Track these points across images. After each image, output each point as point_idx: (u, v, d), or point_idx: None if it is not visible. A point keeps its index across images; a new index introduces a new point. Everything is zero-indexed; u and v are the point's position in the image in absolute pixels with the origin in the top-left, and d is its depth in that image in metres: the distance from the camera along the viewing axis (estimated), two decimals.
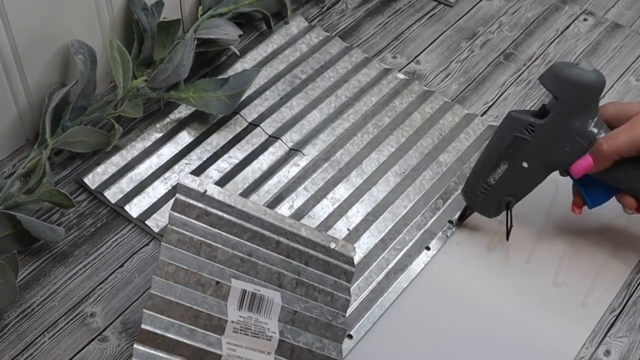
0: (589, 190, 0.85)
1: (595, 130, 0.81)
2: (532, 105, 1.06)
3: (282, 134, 0.99)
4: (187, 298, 0.74)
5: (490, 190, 0.86)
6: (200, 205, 0.78)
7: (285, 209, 0.92)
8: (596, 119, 0.81)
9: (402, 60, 1.11)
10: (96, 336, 0.82)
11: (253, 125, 1.00)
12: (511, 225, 0.87)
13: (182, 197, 0.78)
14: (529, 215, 0.93)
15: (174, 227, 0.76)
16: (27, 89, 0.93)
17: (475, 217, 0.91)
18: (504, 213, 0.87)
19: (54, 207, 0.91)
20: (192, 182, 0.79)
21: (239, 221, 0.79)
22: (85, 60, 0.93)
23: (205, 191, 0.78)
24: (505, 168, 0.84)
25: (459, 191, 0.95)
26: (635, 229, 0.93)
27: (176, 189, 0.79)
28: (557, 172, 0.85)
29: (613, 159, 0.80)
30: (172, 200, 0.90)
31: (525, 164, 0.83)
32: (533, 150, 0.82)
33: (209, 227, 0.78)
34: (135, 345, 0.71)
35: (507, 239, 0.89)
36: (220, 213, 0.79)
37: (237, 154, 0.97)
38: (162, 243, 0.75)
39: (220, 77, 1.02)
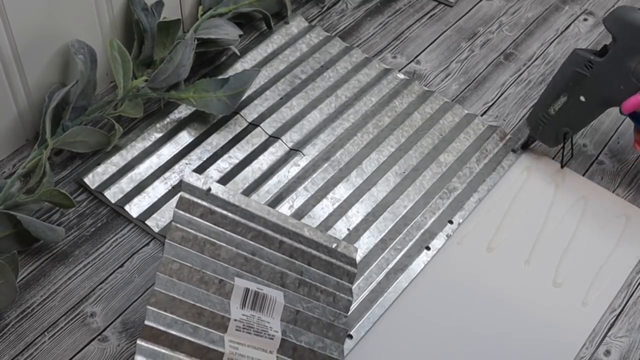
0: None
1: None
2: (532, 105, 1.06)
3: (282, 134, 0.99)
4: (190, 295, 0.74)
5: (550, 120, 0.93)
6: (204, 203, 0.78)
7: (285, 208, 0.92)
8: None
9: (402, 60, 1.11)
10: (96, 336, 0.82)
11: (253, 125, 1.00)
12: (571, 156, 0.96)
13: (187, 195, 0.78)
14: (529, 216, 0.93)
15: (178, 225, 0.76)
16: (27, 89, 0.93)
17: (477, 215, 0.91)
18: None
19: (54, 207, 0.91)
20: (197, 180, 0.79)
21: (242, 220, 0.79)
22: (85, 60, 0.93)
23: (210, 189, 0.78)
24: (564, 100, 0.91)
25: (459, 191, 0.95)
26: (635, 228, 0.93)
27: (181, 186, 0.79)
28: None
29: None
30: (172, 200, 0.91)
31: (582, 98, 0.90)
32: (590, 85, 0.89)
33: (213, 226, 0.78)
34: (138, 342, 0.71)
35: (562, 166, 0.96)
36: (224, 212, 0.79)
37: (237, 154, 0.97)
38: (165, 240, 0.75)
39: (220, 77, 1.02)
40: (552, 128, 0.94)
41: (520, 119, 1.05)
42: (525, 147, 0.99)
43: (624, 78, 0.87)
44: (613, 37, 0.88)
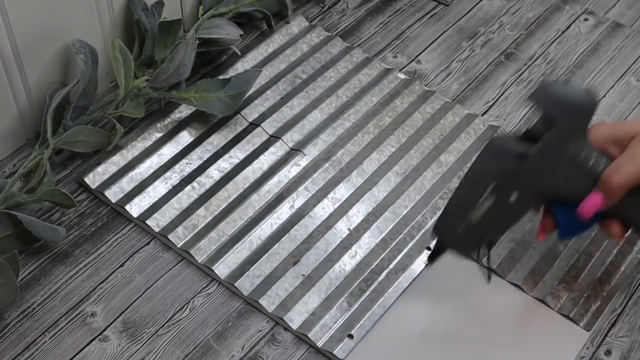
0: (566, 216, 0.76)
1: (589, 156, 0.74)
2: (533, 105, 1.06)
3: (282, 133, 0.99)
4: None
5: (470, 228, 0.75)
6: None
7: (285, 208, 0.92)
8: (587, 146, 0.74)
9: (403, 60, 1.11)
10: (97, 336, 0.82)
11: (254, 125, 1.00)
12: (491, 269, 0.78)
13: None
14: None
15: None
16: (27, 89, 0.93)
17: None
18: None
19: (54, 206, 0.91)
20: None
21: None
22: (86, 60, 0.93)
23: None
24: (491, 202, 0.74)
25: None
26: None
27: None
28: None
29: (624, 192, 0.73)
30: (172, 200, 0.91)
31: (514, 197, 0.74)
32: (524, 182, 0.73)
33: None
34: None
35: (489, 281, 0.79)
36: None
37: (237, 154, 0.97)
38: None
39: (221, 77, 1.02)
40: (475, 235, 0.75)
41: (521, 119, 1.05)
42: (433, 259, 0.80)
43: (562, 168, 0.73)
44: (549, 118, 0.72)
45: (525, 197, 0.74)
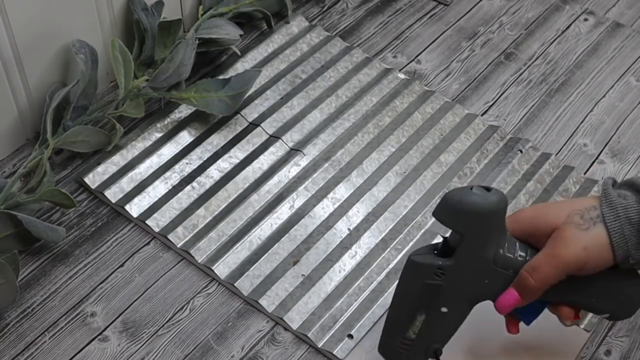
0: (520, 308, 0.75)
1: (510, 255, 0.72)
2: (533, 105, 1.06)
3: (282, 133, 0.99)
4: None
5: (413, 344, 0.75)
6: None
7: (285, 208, 0.92)
8: (506, 241, 0.72)
9: (403, 60, 1.11)
10: (96, 336, 0.82)
11: (253, 125, 1.00)
12: None
13: None
14: None
15: None
16: (27, 89, 0.93)
17: None
18: None
19: (54, 206, 0.91)
20: None
21: None
22: (86, 60, 0.93)
23: None
24: (423, 319, 0.74)
25: None
26: None
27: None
28: None
29: (542, 291, 0.72)
30: (172, 200, 0.91)
31: (444, 309, 0.73)
32: (449, 293, 0.73)
33: None
34: None
35: None
36: None
37: (237, 154, 0.97)
38: None
39: (221, 77, 1.02)
40: (419, 350, 0.75)
41: (521, 119, 1.05)
42: None
43: (485, 271, 0.72)
44: (456, 230, 0.71)
45: (456, 306, 0.74)
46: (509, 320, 0.77)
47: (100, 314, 0.84)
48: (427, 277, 0.72)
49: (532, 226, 0.73)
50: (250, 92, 1.02)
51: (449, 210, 0.71)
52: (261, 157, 0.97)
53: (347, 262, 0.88)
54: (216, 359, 0.81)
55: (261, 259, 0.87)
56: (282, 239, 0.89)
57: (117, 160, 0.95)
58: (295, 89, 1.04)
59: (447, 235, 0.73)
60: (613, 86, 1.09)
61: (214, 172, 0.95)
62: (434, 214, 0.72)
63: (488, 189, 0.71)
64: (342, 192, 0.94)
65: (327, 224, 0.91)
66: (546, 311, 0.81)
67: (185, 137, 0.98)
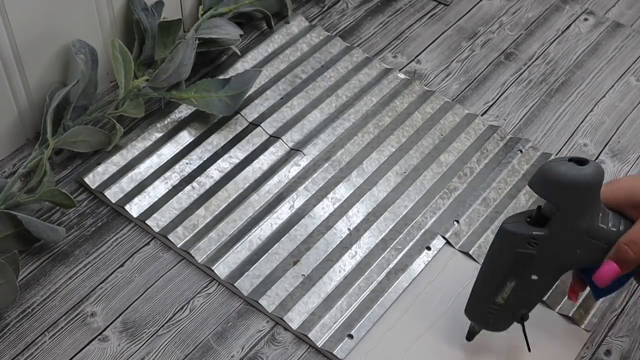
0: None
1: (603, 226, 0.73)
2: (533, 105, 1.06)
3: (282, 133, 0.99)
4: None
5: (500, 309, 0.77)
6: None
7: (285, 208, 0.92)
8: (600, 212, 0.73)
9: (403, 60, 1.11)
10: (96, 336, 0.82)
11: (254, 125, 1.00)
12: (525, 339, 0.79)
13: None
14: None
15: None
16: (27, 89, 0.93)
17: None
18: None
19: (54, 206, 0.91)
20: None
21: None
22: (86, 60, 0.93)
23: None
24: (512, 285, 0.75)
25: (460, 191, 0.95)
26: None
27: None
28: None
29: None
30: (172, 200, 0.91)
31: (534, 277, 0.75)
32: (541, 262, 0.74)
33: None
34: None
35: (529, 349, 0.80)
36: None
37: (237, 154, 0.97)
38: None
39: (221, 77, 1.02)
40: (506, 315, 0.78)
41: (521, 119, 1.05)
42: (472, 337, 0.82)
43: (580, 242, 0.73)
44: (551, 202, 0.72)
45: (546, 274, 0.75)
46: (574, 286, 0.78)
47: (100, 314, 0.84)
48: (520, 246, 0.73)
49: (627, 197, 0.73)
50: (250, 92, 1.02)
51: (545, 181, 0.71)
52: (261, 157, 0.97)
53: (347, 262, 0.88)
54: (216, 359, 0.81)
55: (261, 259, 0.87)
56: (282, 239, 0.89)
57: (117, 160, 0.95)
58: (295, 89, 1.04)
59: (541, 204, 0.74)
60: (613, 86, 1.09)
61: (214, 172, 0.95)
62: (530, 184, 0.72)
63: (585, 161, 0.71)
64: (342, 192, 0.94)
65: (327, 224, 0.91)
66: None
67: (185, 137, 0.98)
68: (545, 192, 0.72)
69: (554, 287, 0.77)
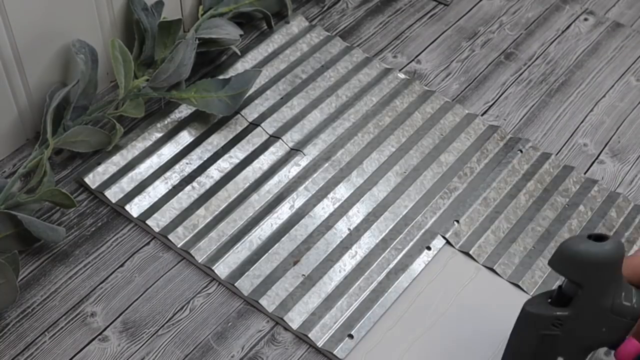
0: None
1: (627, 303, 0.72)
2: (533, 105, 1.06)
3: (282, 133, 0.99)
4: None
5: None
6: None
7: (285, 208, 0.92)
8: (623, 289, 0.72)
9: (403, 60, 1.11)
10: (96, 336, 0.82)
11: (254, 125, 1.00)
12: None
13: None
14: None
15: None
16: (27, 89, 0.93)
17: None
18: None
19: (54, 206, 0.91)
20: None
21: None
22: (86, 60, 0.93)
23: None
24: None
25: (460, 191, 0.95)
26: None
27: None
28: None
29: None
30: (172, 200, 0.91)
31: (560, 358, 0.73)
32: (566, 343, 0.72)
33: None
34: None
35: None
36: None
37: (237, 154, 0.97)
38: None
39: (221, 77, 1.02)
40: None
41: (521, 119, 1.05)
42: None
43: (603, 320, 0.71)
44: (574, 281, 0.71)
45: (572, 356, 0.74)
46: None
47: (100, 314, 0.84)
48: (543, 327, 0.72)
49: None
50: (250, 92, 1.02)
51: (566, 260, 0.70)
52: (261, 157, 0.97)
53: (347, 262, 0.88)
54: (216, 359, 0.81)
55: (261, 259, 0.87)
56: (282, 239, 0.89)
57: (117, 160, 0.95)
58: (295, 89, 1.04)
59: (561, 283, 0.73)
60: (613, 86, 1.09)
61: (214, 172, 0.95)
62: (550, 263, 0.71)
63: (604, 237, 0.70)
64: (342, 192, 0.94)
65: (327, 224, 0.91)
66: None
67: (185, 137, 0.98)
68: (567, 271, 0.71)
69: None
